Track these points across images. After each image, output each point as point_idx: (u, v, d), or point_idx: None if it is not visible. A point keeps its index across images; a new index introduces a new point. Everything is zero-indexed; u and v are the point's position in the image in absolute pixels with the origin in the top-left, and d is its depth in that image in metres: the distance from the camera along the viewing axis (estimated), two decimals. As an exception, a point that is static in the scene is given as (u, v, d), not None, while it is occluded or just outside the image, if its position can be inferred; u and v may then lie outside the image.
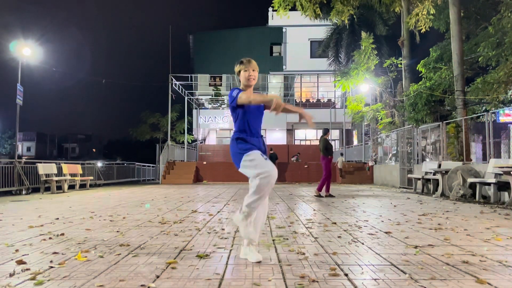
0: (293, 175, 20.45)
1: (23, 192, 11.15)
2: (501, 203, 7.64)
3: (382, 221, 5.06)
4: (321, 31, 26.61)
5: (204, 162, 21.46)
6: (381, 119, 18.77)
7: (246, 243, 2.95)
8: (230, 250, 3.30)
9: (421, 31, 16.19)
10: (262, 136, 3.08)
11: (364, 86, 18.82)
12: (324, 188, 9.48)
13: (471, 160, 11.52)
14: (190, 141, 30.69)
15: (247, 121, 2.95)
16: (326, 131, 9.59)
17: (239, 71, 3.00)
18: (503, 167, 7.41)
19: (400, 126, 16.57)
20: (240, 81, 3.06)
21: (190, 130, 31.60)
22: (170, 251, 3.25)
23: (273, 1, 16.56)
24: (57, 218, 5.35)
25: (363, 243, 3.57)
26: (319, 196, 9.31)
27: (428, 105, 14.45)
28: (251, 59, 3.01)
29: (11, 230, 4.35)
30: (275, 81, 32.17)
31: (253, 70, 2.96)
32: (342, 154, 21.55)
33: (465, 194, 8.75)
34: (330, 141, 9.74)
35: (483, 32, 14.49)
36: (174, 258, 2.97)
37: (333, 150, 10.06)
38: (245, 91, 2.92)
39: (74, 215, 5.76)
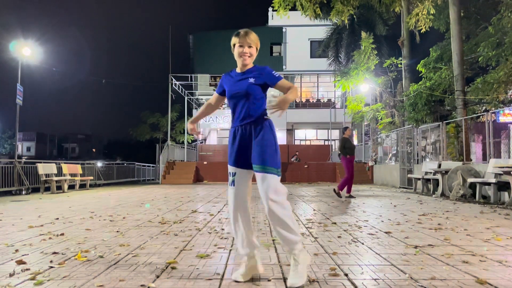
0: (293, 175, 20.45)
1: (23, 192, 11.14)
2: (501, 203, 7.64)
3: (382, 221, 5.06)
4: (321, 31, 26.61)
5: (205, 162, 21.45)
6: (381, 119, 18.77)
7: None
8: (230, 250, 3.30)
9: (421, 31, 16.19)
10: (250, 120, 2.48)
11: (364, 86, 18.81)
12: (339, 187, 9.03)
13: (471, 160, 11.52)
14: (190, 141, 30.69)
15: (231, 108, 2.58)
16: (345, 129, 9.16)
17: (234, 45, 2.54)
18: (503, 167, 7.41)
19: (400, 126, 16.56)
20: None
21: (190, 130, 31.57)
22: (170, 251, 3.25)
23: (273, 1, 16.56)
24: (57, 218, 5.35)
25: (363, 243, 3.57)
26: (338, 195, 8.91)
27: (428, 105, 14.46)
28: (249, 31, 2.53)
29: (11, 230, 4.35)
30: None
31: (249, 46, 2.51)
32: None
33: (465, 194, 8.75)
34: (350, 140, 9.13)
35: (483, 32, 14.50)
36: (174, 258, 2.97)
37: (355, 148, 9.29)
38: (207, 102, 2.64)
39: (74, 215, 5.76)
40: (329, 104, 30.01)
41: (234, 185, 2.46)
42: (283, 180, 19.56)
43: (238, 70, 2.60)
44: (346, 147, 8.84)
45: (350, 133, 9.33)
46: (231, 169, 2.49)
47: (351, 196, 8.90)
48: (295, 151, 24.55)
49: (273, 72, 2.56)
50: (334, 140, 30.56)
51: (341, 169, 19.80)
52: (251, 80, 2.50)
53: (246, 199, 2.48)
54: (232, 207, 2.45)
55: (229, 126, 26.90)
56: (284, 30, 31.12)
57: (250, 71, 2.54)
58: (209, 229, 4.44)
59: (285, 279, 2.42)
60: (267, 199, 2.31)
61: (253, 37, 2.51)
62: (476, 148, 17.21)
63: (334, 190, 9.09)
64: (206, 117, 29.80)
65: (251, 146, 2.45)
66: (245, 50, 2.50)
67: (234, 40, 2.52)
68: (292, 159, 23.35)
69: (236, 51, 2.52)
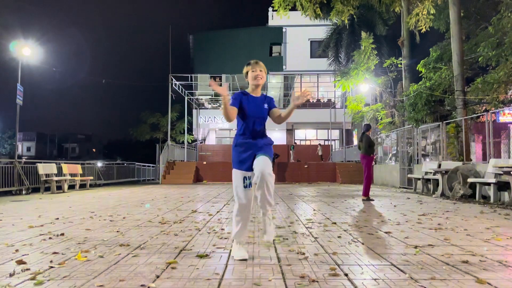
0: (293, 175, 20.46)
1: (23, 192, 11.14)
2: (501, 203, 7.64)
3: (382, 221, 5.07)
4: (321, 31, 26.62)
5: (204, 162, 21.45)
6: (381, 119, 18.77)
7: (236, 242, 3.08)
8: (230, 250, 3.30)
9: (421, 31, 16.19)
10: (262, 136, 3.05)
11: (364, 86, 18.82)
12: (364, 193, 8.49)
13: (471, 160, 11.52)
14: (190, 141, 30.69)
15: (246, 124, 3.02)
16: (368, 127, 8.71)
17: (247, 73, 3.06)
18: (503, 167, 7.41)
19: (400, 126, 16.56)
20: (249, 83, 3.10)
21: (190, 130, 31.59)
22: (170, 251, 3.25)
23: (273, 1, 16.55)
24: (57, 218, 5.35)
25: (363, 243, 3.57)
26: (368, 200, 8.32)
27: (428, 105, 14.45)
28: (259, 61, 3.08)
29: (11, 230, 4.35)
30: (275, 81, 32.19)
31: (261, 70, 3.02)
32: (320, 145, 25.99)
33: (465, 194, 8.75)
34: (372, 138, 8.63)
35: (483, 32, 14.49)
36: (174, 258, 2.97)
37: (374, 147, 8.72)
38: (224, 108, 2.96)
39: (74, 215, 5.76)
40: (329, 104, 30.02)
41: (250, 187, 2.93)
42: (282, 180, 19.72)
43: (251, 92, 3.08)
44: (371, 145, 8.42)
45: (372, 131, 8.99)
46: (246, 174, 2.95)
47: (369, 199, 8.34)
48: (292, 144, 25.45)
49: (274, 101, 3.20)
50: (334, 140, 30.55)
51: (341, 169, 19.86)
52: (266, 106, 3.08)
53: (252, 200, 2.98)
54: (243, 205, 2.92)
55: (228, 126, 26.60)
56: (284, 30, 31.11)
57: (263, 98, 3.10)
58: (208, 229, 4.44)
59: (285, 279, 2.42)
60: (265, 172, 2.82)
61: (262, 65, 3.07)
62: (476, 148, 17.21)
63: (364, 199, 8.38)
64: (205, 117, 30.06)
65: (256, 147, 2.99)
66: (257, 73, 3.01)
67: (247, 68, 3.06)
68: (291, 151, 24.16)
69: (250, 76, 3.03)
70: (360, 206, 7.09)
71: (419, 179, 11.43)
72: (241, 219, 2.97)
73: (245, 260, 2.93)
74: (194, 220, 5.19)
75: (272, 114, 3.12)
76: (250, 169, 2.94)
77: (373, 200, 8.43)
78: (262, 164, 2.86)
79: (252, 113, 3.01)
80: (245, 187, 2.92)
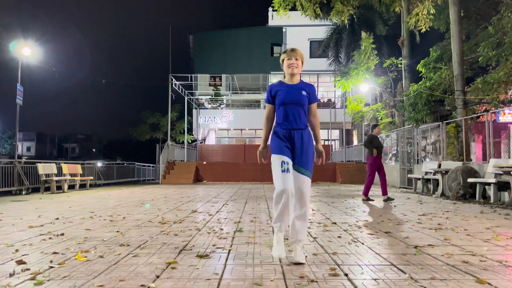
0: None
1: (23, 192, 11.14)
2: (501, 203, 7.64)
3: (382, 221, 5.06)
4: (321, 31, 26.62)
5: (204, 162, 21.45)
6: (381, 119, 18.77)
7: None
8: (229, 250, 3.30)
9: (421, 31, 16.19)
10: (302, 128, 2.95)
11: (364, 86, 18.81)
12: (364, 193, 8.41)
13: (471, 160, 11.52)
14: (190, 141, 30.69)
15: (282, 112, 2.94)
16: (374, 127, 8.58)
17: (283, 60, 2.99)
18: (503, 167, 7.41)
19: (400, 126, 16.57)
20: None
21: (190, 130, 31.59)
22: (170, 251, 3.25)
23: (273, 1, 16.56)
24: (57, 218, 5.35)
25: (363, 243, 3.57)
26: (368, 199, 8.25)
27: (428, 105, 14.46)
28: (295, 48, 3.01)
29: (11, 230, 4.35)
30: (275, 81, 32.18)
31: (296, 59, 2.94)
32: None
33: (465, 194, 8.75)
34: (379, 138, 8.50)
35: (483, 32, 14.50)
36: (174, 258, 2.97)
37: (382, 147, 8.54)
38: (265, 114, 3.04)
39: (74, 215, 5.76)
40: (329, 104, 30.02)
41: (288, 171, 2.83)
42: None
43: (287, 81, 3.01)
44: (374, 145, 8.23)
45: (379, 131, 8.79)
46: (284, 158, 2.86)
47: (368, 199, 8.29)
48: None
49: (316, 92, 3.06)
50: (334, 140, 30.55)
51: (341, 169, 19.85)
52: (304, 93, 2.95)
53: (293, 184, 2.84)
54: (281, 190, 2.77)
55: (227, 126, 26.60)
56: (284, 30, 31.12)
57: (302, 85, 2.98)
58: (208, 229, 4.44)
59: (285, 279, 2.42)
60: (302, 199, 2.83)
61: (299, 52, 2.97)
62: (476, 148, 17.21)
63: (364, 199, 8.32)
64: (205, 117, 30.09)
65: (296, 145, 2.91)
66: (292, 61, 2.93)
67: (283, 56, 2.99)
68: None
69: (285, 64, 2.96)
70: (360, 206, 7.09)
71: (419, 179, 11.43)
72: (280, 204, 2.80)
73: (281, 258, 2.85)
74: (194, 220, 5.19)
75: (311, 109, 3.05)
76: (288, 156, 2.87)
77: (373, 200, 8.41)
78: (302, 192, 2.84)
79: (286, 99, 2.90)
80: (282, 171, 2.81)
